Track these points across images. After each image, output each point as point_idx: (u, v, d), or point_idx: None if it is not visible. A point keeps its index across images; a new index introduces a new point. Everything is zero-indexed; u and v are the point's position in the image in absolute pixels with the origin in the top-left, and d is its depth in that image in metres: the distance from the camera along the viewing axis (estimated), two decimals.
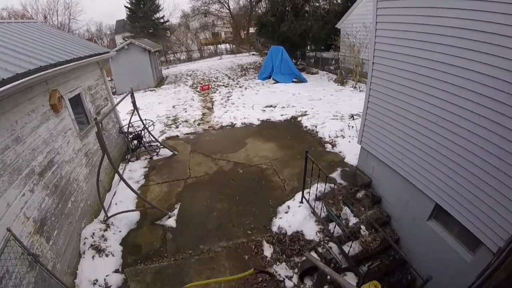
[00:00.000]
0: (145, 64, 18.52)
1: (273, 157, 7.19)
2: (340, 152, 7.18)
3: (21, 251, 3.20)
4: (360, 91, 12.74)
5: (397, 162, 4.87)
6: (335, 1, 19.06)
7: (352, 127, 8.28)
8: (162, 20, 42.87)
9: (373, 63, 5.14)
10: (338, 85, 14.45)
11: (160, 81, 20.90)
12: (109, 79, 20.21)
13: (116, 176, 7.00)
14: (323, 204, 4.99)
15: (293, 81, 15.78)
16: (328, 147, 7.54)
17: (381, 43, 4.87)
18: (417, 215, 4.60)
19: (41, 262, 3.46)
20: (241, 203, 5.59)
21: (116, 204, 5.88)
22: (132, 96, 7.11)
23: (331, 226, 4.85)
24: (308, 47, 22.66)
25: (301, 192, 5.47)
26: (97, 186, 5.19)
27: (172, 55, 35.24)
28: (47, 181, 4.27)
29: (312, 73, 17.95)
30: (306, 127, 8.93)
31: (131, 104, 7.40)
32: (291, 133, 8.60)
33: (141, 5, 40.14)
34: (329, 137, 8.01)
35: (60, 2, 39.46)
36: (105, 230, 5.11)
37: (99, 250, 4.70)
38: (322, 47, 20.04)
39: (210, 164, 7.16)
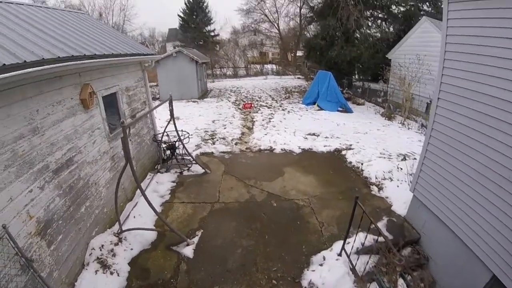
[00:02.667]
0: (191, 74, 18.74)
1: (312, 193, 6.44)
2: (387, 197, 6.29)
3: (14, 251, 2.84)
4: (408, 128, 11.90)
5: (455, 219, 4.07)
6: (387, 30, 18.22)
7: (401, 169, 7.34)
8: (212, 33, 44.33)
9: (438, 98, 4.42)
10: (385, 119, 13.60)
11: (204, 94, 21.06)
12: (155, 84, 20.83)
13: (142, 185, 6.65)
14: (373, 270, 4.14)
15: (338, 110, 15.02)
16: (374, 189, 6.67)
17: (450, 76, 4.15)
18: (469, 285, 3.79)
19: (34, 268, 3.07)
20: (270, 244, 4.87)
21: (134, 217, 5.47)
22: (171, 104, 6.83)
23: None
24: (356, 76, 21.91)
25: (340, 242, 4.67)
26: (115, 196, 4.81)
27: (219, 69, 36.00)
28: (62, 181, 3.92)
29: (358, 104, 17.16)
30: (350, 162, 8.09)
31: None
32: (333, 168, 7.81)
33: (194, 16, 41.98)
34: (376, 178, 7.11)
35: (117, 2, 41.97)
36: (116, 244, 4.68)
37: (104, 265, 4.26)
38: (370, 78, 19.20)
39: (242, 191, 6.56)
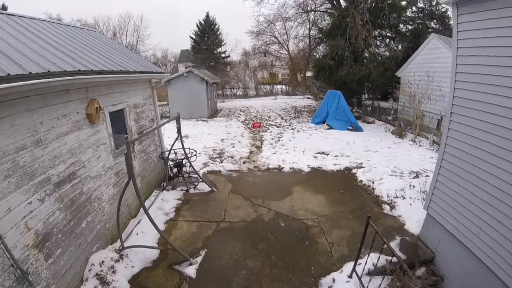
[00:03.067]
0: (201, 94, 18.97)
1: (321, 212, 6.20)
2: (399, 216, 6.03)
3: (9, 263, 2.76)
4: (419, 145, 11.66)
5: (471, 236, 3.89)
6: (396, 48, 18.23)
7: (414, 187, 7.10)
8: (223, 55, 45.28)
9: (451, 113, 4.32)
10: (396, 137, 13.39)
11: (214, 113, 21.23)
12: (166, 103, 21.16)
13: (146, 203, 6.58)
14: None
15: (348, 129, 14.83)
16: (386, 208, 6.40)
17: (463, 90, 4.03)
18: None
19: (29, 281, 2.98)
20: (277, 265, 4.63)
21: (137, 234, 5.34)
22: (178, 122, 6.80)
23: None
24: (365, 95, 21.81)
25: (351, 263, 4.42)
26: (117, 212, 4.70)
27: (229, 89, 36.48)
28: (63, 194, 3.86)
29: (368, 122, 16.97)
30: (361, 181, 7.84)
31: (181, 131, 7.11)
32: (343, 187, 7.57)
33: (206, 38, 43.07)
34: (388, 196, 6.85)
35: (131, 23, 43.59)
36: (117, 261, 4.55)
37: (103, 282, 4.12)
38: (379, 96, 19.08)
39: (249, 210, 6.37)
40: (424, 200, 6.26)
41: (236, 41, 66.52)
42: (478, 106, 3.74)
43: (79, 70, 3.95)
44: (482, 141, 3.69)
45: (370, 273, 4.29)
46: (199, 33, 43.59)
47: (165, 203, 6.63)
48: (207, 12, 43.77)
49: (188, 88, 18.54)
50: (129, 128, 6.10)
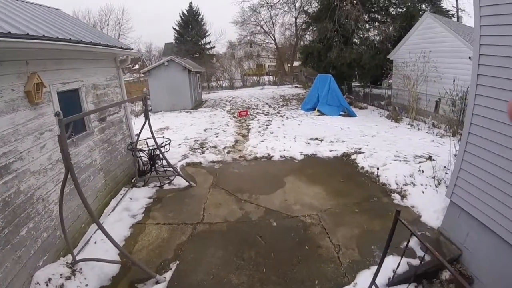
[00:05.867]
0: (184, 84, 17.80)
1: (321, 206, 5.14)
2: (413, 206, 5.11)
3: None
4: (418, 129, 11.03)
5: (508, 225, 3.20)
6: (387, 30, 17.34)
7: (423, 172, 6.23)
8: (208, 46, 43.88)
9: (478, 76, 3.60)
10: (391, 121, 12.75)
11: (198, 104, 20.23)
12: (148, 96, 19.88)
13: (112, 203, 5.48)
14: None
15: (340, 115, 13.91)
16: (396, 198, 5.46)
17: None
18: None
19: None
20: (269, 280, 3.52)
21: (95, 242, 4.28)
22: (145, 104, 5.65)
23: None
24: (357, 81, 21.03)
25: (366, 272, 3.50)
26: (60, 216, 3.60)
27: (215, 81, 35.26)
28: None
29: (361, 108, 16.24)
30: (362, 168, 6.86)
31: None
32: (343, 175, 6.55)
33: (189, 29, 41.51)
34: (396, 184, 5.92)
35: (112, 17, 41.67)
36: (68, 278, 3.56)
37: None
38: (370, 82, 18.31)
39: (233, 207, 5.26)
40: (437, 185, 5.47)
41: (220, 31, 65.07)
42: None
43: (9, 32, 3.04)
44: None
45: (391, 283, 3.34)
46: (182, 24, 41.99)
47: (133, 202, 5.52)
48: (190, 2, 42.11)
49: (170, 78, 17.32)
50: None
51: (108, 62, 6.21)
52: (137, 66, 38.72)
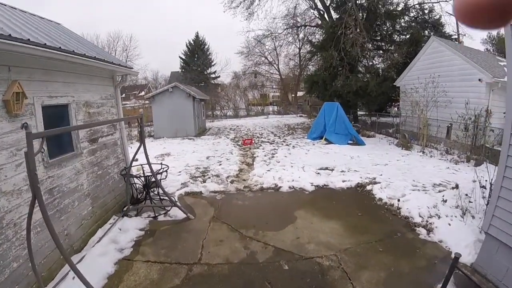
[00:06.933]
0: (188, 110, 17.56)
1: (339, 245, 4.41)
2: (441, 241, 4.50)
3: None
4: (430, 156, 10.60)
5: None
6: (393, 57, 17.26)
7: (446, 201, 5.69)
8: (213, 75, 44.46)
9: None
10: (402, 149, 12.26)
11: (202, 132, 19.92)
12: (151, 122, 19.59)
13: (98, 232, 4.85)
14: None
15: (348, 144, 13.34)
16: (422, 232, 4.80)
17: None
18: None
19: None
20: None
21: (73, 278, 3.54)
22: (140, 125, 5.14)
23: None
24: (361, 110, 20.80)
25: None
26: (28, 245, 2.97)
27: (219, 110, 35.30)
28: None
29: (368, 136, 15.73)
30: (380, 199, 6.19)
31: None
32: (360, 208, 5.86)
33: (195, 58, 42.19)
34: (420, 216, 5.28)
35: (119, 43, 42.60)
36: None
37: None
38: (374, 112, 18.01)
39: (236, 245, 4.53)
40: (462, 216, 5.06)
41: (226, 61, 66.62)
42: None
43: None
44: None
45: None
46: (188, 53, 42.75)
47: (122, 234, 4.85)
48: (197, 32, 43.25)
49: (173, 104, 17.12)
50: (75, 132, 4.58)
51: (105, 79, 5.86)
52: (143, 93, 39.08)
